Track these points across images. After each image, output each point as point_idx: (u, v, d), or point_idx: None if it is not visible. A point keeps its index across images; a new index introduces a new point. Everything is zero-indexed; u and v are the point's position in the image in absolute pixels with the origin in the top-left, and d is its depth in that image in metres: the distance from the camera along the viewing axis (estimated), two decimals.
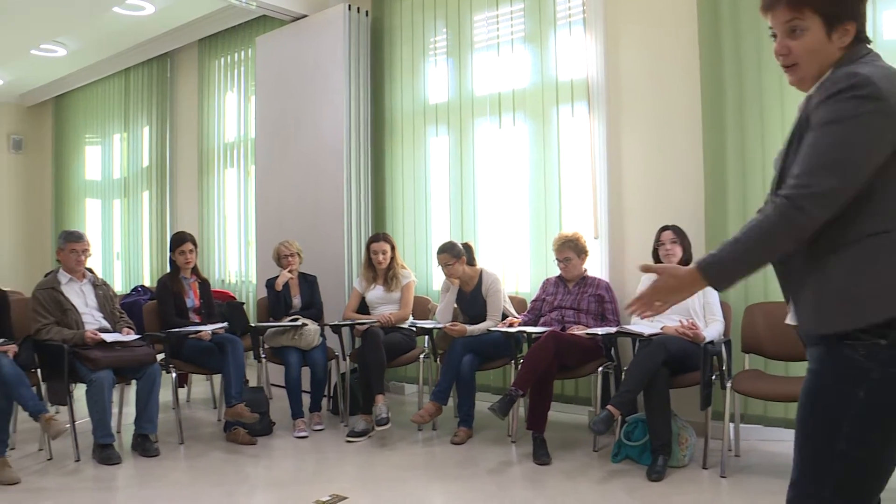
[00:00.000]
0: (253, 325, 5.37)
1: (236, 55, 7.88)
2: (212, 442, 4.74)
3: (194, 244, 5.15)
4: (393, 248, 5.32)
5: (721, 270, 1.70)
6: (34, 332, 4.43)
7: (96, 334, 4.43)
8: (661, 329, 4.10)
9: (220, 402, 5.41)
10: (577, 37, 5.11)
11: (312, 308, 5.36)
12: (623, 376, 4.06)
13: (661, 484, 3.73)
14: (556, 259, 4.73)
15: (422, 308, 5.48)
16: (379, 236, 5.36)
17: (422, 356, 5.06)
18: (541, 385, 4.20)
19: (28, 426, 4.63)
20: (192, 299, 5.11)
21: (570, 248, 4.67)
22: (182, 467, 4.28)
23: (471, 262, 5.05)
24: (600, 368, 4.38)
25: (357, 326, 5.08)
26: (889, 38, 3.94)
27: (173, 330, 4.80)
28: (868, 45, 1.73)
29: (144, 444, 4.44)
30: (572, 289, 4.71)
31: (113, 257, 9.70)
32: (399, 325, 5.14)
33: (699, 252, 4.44)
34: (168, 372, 4.71)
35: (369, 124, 6.23)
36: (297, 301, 5.34)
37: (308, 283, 5.44)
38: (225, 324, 5.01)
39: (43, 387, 4.38)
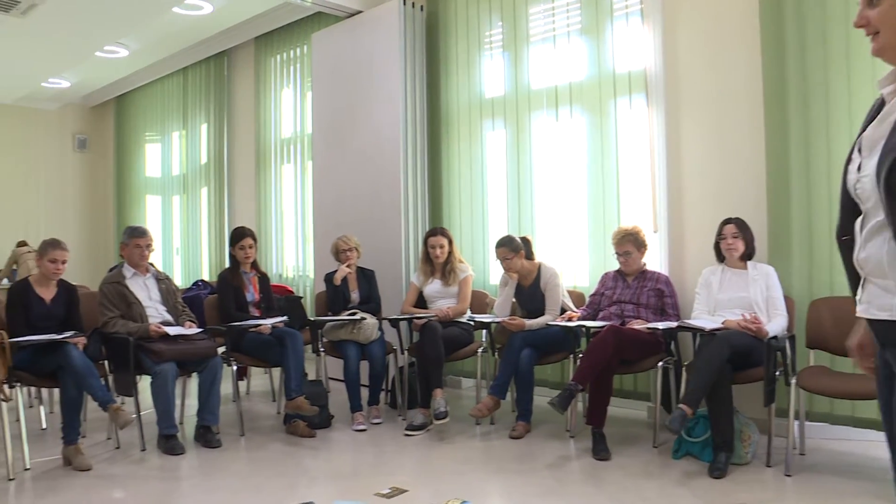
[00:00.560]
0: (312, 318, 5.41)
1: (292, 52, 7.96)
2: (272, 434, 4.80)
3: (254, 239, 5.23)
4: (450, 243, 5.32)
5: None
6: (101, 324, 4.54)
7: (160, 328, 4.52)
8: (723, 323, 4.04)
9: (278, 394, 5.49)
10: (634, 28, 5.05)
11: (371, 302, 5.39)
12: (689, 372, 4.00)
13: (723, 481, 3.66)
14: (616, 253, 4.68)
15: (479, 302, 5.47)
16: (436, 230, 5.37)
17: (480, 350, 5.06)
18: (600, 380, 4.17)
19: (96, 416, 4.77)
20: (252, 293, 5.18)
21: (630, 242, 4.62)
22: (243, 458, 4.34)
23: (529, 256, 5.03)
24: (660, 363, 4.33)
25: (415, 321, 5.09)
26: None
27: (234, 323, 4.88)
28: None
29: (207, 436, 4.53)
30: (631, 283, 4.65)
31: (172, 252, 9.89)
32: (457, 319, 5.15)
33: (763, 246, 4.35)
34: (229, 365, 4.79)
35: (425, 119, 6.25)
36: (355, 295, 5.38)
37: (366, 277, 5.47)
38: (284, 318, 5.06)
39: (110, 378, 4.49)
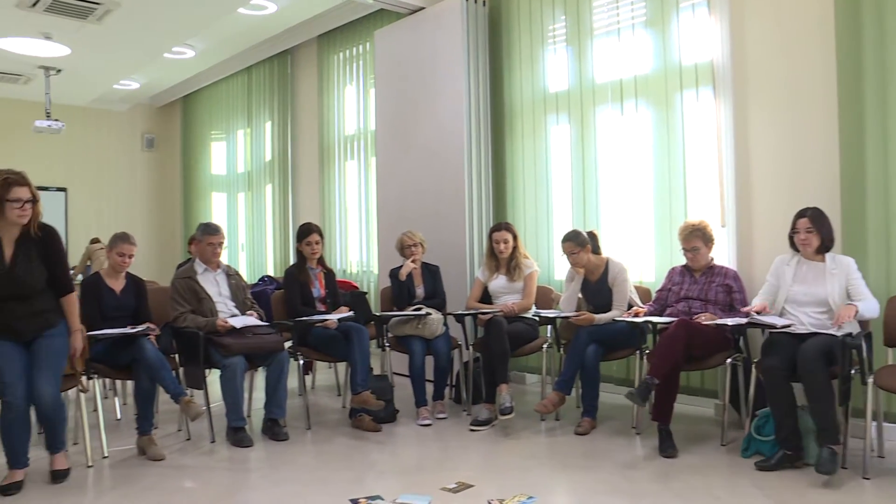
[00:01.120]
0: (377, 314, 5.46)
1: (355, 49, 8.04)
2: (337, 428, 4.86)
3: (320, 235, 5.28)
4: (515, 238, 5.29)
5: None
6: (172, 319, 4.66)
7: (226, 322, 4.60)
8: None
9: (344, 389, 5.55)
10: (700, 18, 4.96)
11: (436, 297, 5.41)
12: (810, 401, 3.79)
13: (796, 482, 3.57)
14: (683, 248, 4.59)
15: (545, 297, 5.44)
16: (501, 226, 5.35)
17: (545, 346, 5.04)
18: (668, 376, 4.10)
19: (167, 408, 4.90)
20: (318, 289, 5.24)
21: (698, 237, 4.53)
22: (310, 451, 4.40)
23: (596, 250, 4.97)
24: (729, 360, 4.25)
25: (480, 316, 5.09)
26: None
27: (301, 318, 4.93)
28: None
29: (274, 429, 4.60)
30: (699, 278, 4.57)
31: (238, 248, 10.07)
32: (522, 314, 5.13)
33: (836, 241, 4.19)
34: (296, 359, 4.86)
35: (489, 114, 6.25)
36: (420, 291, 5.40)
37: (431, 272, 5.49)
38: (350, 312, 5.11)
39: (180, 371, 4.59)
